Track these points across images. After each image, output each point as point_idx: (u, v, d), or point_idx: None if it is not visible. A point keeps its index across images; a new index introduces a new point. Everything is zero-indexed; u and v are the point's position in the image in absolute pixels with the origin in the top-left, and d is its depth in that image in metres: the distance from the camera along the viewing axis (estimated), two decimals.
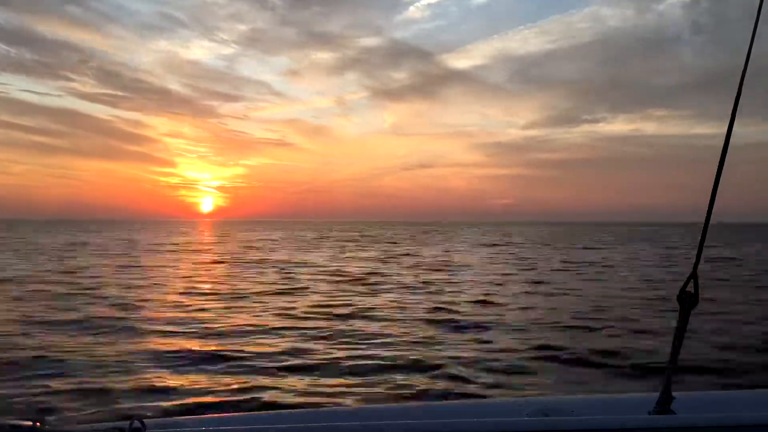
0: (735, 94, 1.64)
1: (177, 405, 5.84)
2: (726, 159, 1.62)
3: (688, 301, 1.62)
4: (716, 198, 1.62)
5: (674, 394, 1.58)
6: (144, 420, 1.28)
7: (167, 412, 5.59)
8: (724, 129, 1.61)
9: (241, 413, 4.75)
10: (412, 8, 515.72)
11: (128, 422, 1.27)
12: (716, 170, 1.63)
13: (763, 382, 6.47)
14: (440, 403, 4.55)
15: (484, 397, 6.06)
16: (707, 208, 1.64)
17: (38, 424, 1.25)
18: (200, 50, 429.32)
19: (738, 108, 1.63)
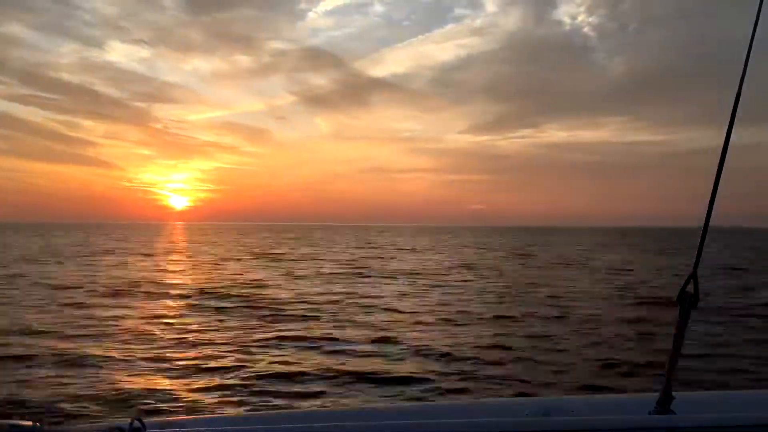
0: (734, 96, 1.63)
1: (177, 405, 5.85)
2: (725, 161, 1.62)
3: (688, 301, 1.62)
4: (715, 200, 1.62)
5: (674, 394, 1.58)
6: (144, 420, 1.28)
7: (167, 412, 5.60)
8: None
9: (241, 413, 4.76)
10: (311, 14, 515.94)
11: (128, 422, 1.26)
12: (716, 172, 1.63)
13: None
14: (440, 403, 4.55)
15: (484, 397, 6.07)
16: (707, 210, 1.64)
17: (38, 424, 1.25)
18: (115, 52, 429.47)
19: (737, 109, 1.63)
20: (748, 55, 1.61)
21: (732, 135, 1.62)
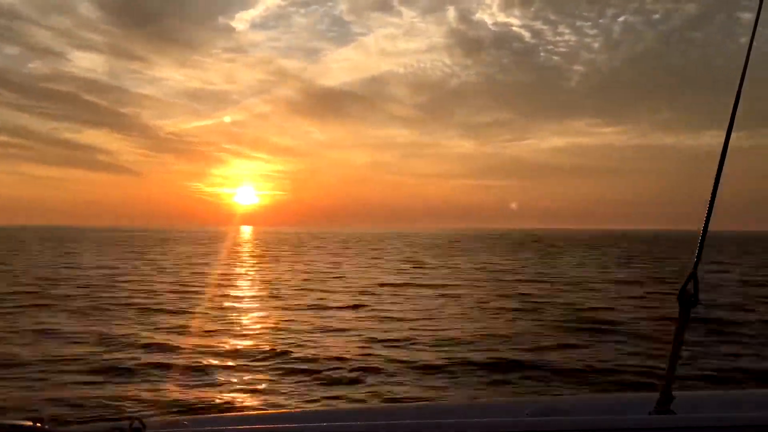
0: (734, 97, 1.63)
1: (177, 405, 5.85)
2: (725, 162, 1.62)
3: (687, 301, 1.62)
4: (715, 201, 1.62)
5: (674, 394, 1.58)
6: (144, 420, 1.29)
7: (167, 412, 5.60)
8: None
9: (241, 413, 4.76)
10: (238, 27, 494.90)
11: (128, 422, 1.27)
12: (715, 174, 1.63)
13: None
14: (440, 404, 4.56)
15: (484, 397, 6.07)
16: (707, 210, 1.64)
17: (38, 424, 1.25)
18: (80, 63, 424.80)
19: (737, 112, 1.63)
20: (747, 58, 1.61)
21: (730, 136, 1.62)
